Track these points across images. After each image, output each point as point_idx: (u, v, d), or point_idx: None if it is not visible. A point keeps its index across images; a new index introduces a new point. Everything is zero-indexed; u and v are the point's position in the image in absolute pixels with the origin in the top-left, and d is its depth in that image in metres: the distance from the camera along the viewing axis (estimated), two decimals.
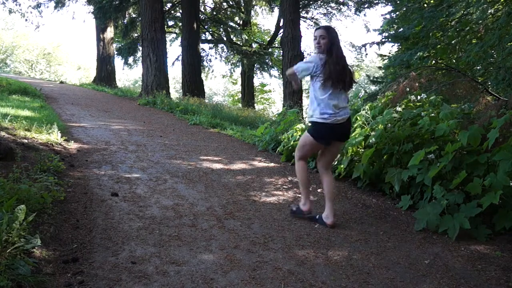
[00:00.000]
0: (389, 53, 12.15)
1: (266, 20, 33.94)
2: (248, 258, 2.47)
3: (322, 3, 19.49)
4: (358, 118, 4.48)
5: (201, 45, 17.80)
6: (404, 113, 4.07)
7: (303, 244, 2.73)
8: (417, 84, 4.60)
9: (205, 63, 20.92)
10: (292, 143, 5.37)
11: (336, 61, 2.94)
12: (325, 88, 2.94)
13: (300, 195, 3.39)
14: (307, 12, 20.01)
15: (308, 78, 3.10)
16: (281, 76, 17.13)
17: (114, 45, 19.82)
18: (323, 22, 20.31)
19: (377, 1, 16.14)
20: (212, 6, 21.11)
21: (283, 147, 5.53)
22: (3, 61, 36.43)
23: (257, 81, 23.96)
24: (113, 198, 3.42)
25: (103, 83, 18.22)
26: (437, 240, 2.85)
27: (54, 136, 5.17)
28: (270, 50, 20.71)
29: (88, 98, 12.35)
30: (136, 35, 18.14)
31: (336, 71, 2.92)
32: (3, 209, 2.24)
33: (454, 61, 7.15)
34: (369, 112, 4.48)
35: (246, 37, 19.78)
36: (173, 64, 21.57)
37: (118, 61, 20.13)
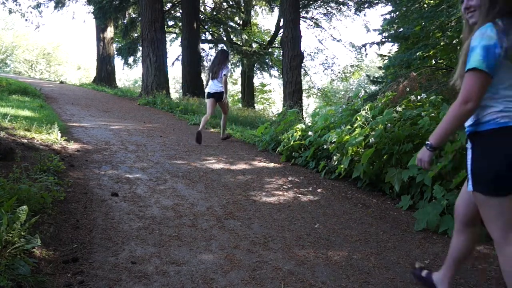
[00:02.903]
0: (389, 53, 12.15)
1: (266, 20, 33.95)
2: (248, 258, 2.47)
3: (322, 3, 19.50)
4: (358, 118, 4.48)
5: (201, 45, 17.79)
6: (404, 113, 4.07)
7: (303, 244, 2.73)
8: (417, 84, 4.59)
9: (205, 63, 20.92)
10: (292, 143, 5.37)
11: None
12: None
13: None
14: (307, 12, 20.02)
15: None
16: (281, 76, 17.13)
17: (114, 45, 19.82)
18: (323, 22, 20.34)
19: (377, 1, 16.14)
20: (212, 6, 21.13)
21: (283, 147, 5.53)
22: (3, 61, 36.42)
23: (257, 81, 24.01)
24: (113, 198, 3.42)
25: (103, 83, 18.22)
26: (437, 240, 2.85)
27: (54, 136, 5.17)
28: (270, 50, 20.72)
29: (88, 98, 12.35)
30: (136, 35, 18.13)
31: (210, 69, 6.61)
32: (3, 209, 2.23)
33: (454, 61, 7.15)
34: (369, 112, 4.48)
35: (246, 37, 19.78)
36: (173, 64, 21.60)
37: (118, 61, 20.12)
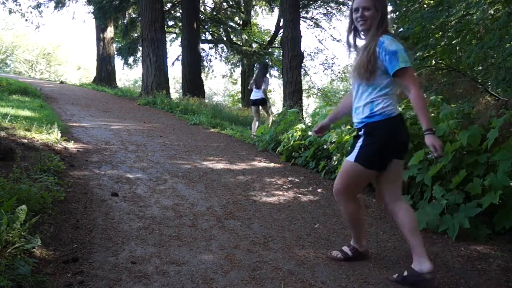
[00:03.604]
0: None
1: (266, 20, 33.98)
2: (248, 258, 2.47)
3: (322, 3, 19.52)
4: None
5: (201, 45, 17.81)
6: (404, 113, 4.07)
7: (303, 244, 2.73)
8: None
9: (205, 63, 20.94)
10: (292, 143, 5.37)
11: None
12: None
13: None
14: (307, 12, 20.04)
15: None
16: (281, 76, 17.14)
17: (114, 45, 19.82)
18: (323, 22, 20.36)
19: None
20: (212, 6, 21.13)
21: (283, 147, 5.53)
22: (3, 61, 36.44)
23: None
24: (113, 198, 3.42)
25: (103, 83, 18.22)
26: (437, 240, 2.85)
27: (54, 136, 5.17)
28: (270, 50, 20.72)
29: (88, 98, 12.36)
30: (136, 35, 18.14)
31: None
32: (3, 209, 2.23)
33: (454, 61, 7.14)
34: None
35: (246, 37, 19.79)
36: (173, 64, 21.60)
37: (118, 61, 20.13)
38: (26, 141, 4.71)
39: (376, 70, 2.09)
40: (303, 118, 7.67)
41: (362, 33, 2.20)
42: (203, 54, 20.02)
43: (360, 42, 2.27)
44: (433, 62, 7.41)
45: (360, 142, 2.20)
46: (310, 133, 3.98)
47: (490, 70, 6.29)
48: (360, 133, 2.22)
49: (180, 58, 17.18)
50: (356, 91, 2.23)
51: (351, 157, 2.22)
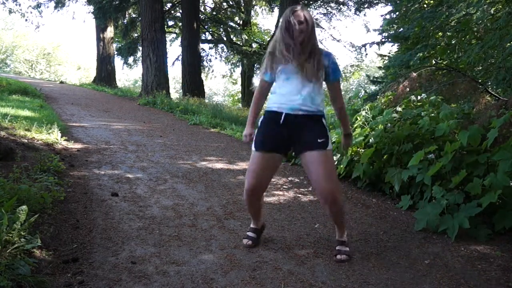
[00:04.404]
0: (389, 53, 12.17)
1: (266, 20, 33.91)
2: (248, 258, 2.47)
3: (322, 3, 19.50)
4: (358, 118, 4.48)
5: (201, 45, 17.79)
6: (404, 113, 4.07)
7: (303, 244, 2.73)
8: (417, 84, 4.60)
9: (205, 63, 20.92)
10: None
11: None
12: None
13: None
14: None
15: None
16: None
17: (114, 45, 19.81)
18: (323, 22, 20.35)
19: (377, 1, 16.15)
20: (212, 6, 21.13)
21: None
22: (3, 61, 36.46)
23: (257, 81, 23.96)
24: (113, 198, 3.42)
25: (103, 83, 18.22)
26: (437, 240, 2.85)
27: (54, 136, 5.17)
28: None
29: (88, 98, 12.36)
30: (136, 35, 18.14)
31: None
32: (3, 209, 2.23)
33: (454, 61, 7.15)
34: (369, 112, 4.48)
35: (246, 37, 19.78)
36: (173, 64, 21.60)
37: (118, 61, 20.16)
38: (26, 141, 4.71)
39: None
40: None
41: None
42: (203, 54, 20.01)
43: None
44: (433, 62, 7.42)
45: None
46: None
47: (490, 70, 6.30)
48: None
49: (180, 58, 17.17)
50: (296, 82, 2.42)
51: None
